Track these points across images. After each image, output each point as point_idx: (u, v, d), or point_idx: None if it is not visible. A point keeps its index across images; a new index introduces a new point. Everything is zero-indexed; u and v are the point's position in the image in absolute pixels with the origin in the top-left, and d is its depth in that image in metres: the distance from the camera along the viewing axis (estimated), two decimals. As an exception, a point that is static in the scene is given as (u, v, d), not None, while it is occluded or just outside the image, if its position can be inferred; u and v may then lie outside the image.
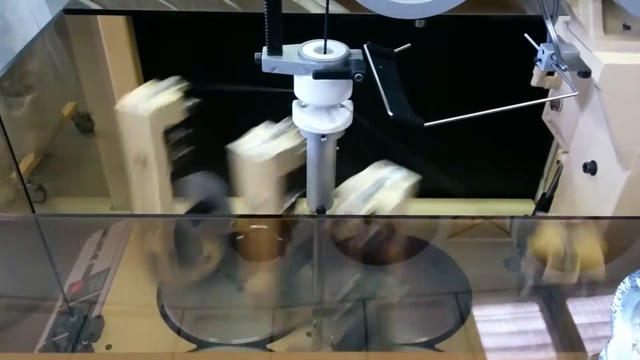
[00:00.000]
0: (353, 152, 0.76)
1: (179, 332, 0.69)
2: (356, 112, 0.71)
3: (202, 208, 0.89)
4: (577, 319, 0.72)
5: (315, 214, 0.77)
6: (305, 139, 0.72)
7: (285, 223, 0.82)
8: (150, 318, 0.74)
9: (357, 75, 0.62)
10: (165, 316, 0.72)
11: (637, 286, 0.45)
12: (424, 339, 0.71)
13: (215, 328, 0.72)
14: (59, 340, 0.68)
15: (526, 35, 0.78)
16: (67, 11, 1.13)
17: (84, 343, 0.67)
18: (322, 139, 0.68)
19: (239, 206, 0.83)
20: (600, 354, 0.51)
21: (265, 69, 0.64)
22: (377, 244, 0.83)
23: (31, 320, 0.72)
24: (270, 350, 0.67)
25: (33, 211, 1.20)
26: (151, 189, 0.88)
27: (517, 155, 1.39)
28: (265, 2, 0.59)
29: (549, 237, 0.85)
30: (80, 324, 0.70)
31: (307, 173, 0.73)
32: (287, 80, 0.67)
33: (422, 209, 0.78)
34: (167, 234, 0.85)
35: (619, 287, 0.47)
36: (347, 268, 0.81)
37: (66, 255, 0.81)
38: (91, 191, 1.47)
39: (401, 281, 0.80)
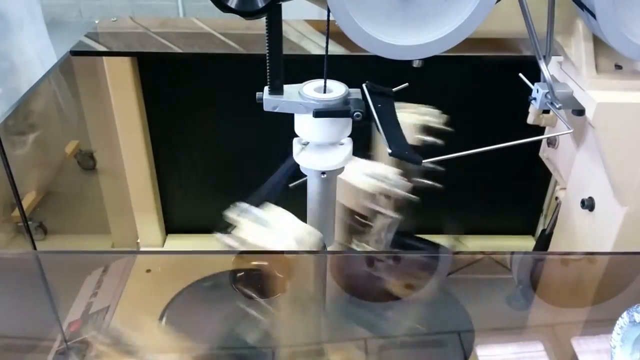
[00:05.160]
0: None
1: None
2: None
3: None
4: (582, 358, 0.71)
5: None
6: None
7: (286, 259, 0.81)
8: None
9: (356, 113, 0.64)
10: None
11: (635, 321, 0.44)
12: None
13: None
14: (56, 380, 0.67)
15: (521, 75, 0.79)
16: (73, 53, 1.16)
17: (81, 383, 0.67)
18: (322, 176, 0.69)
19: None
20: (602, 391, 0.50)
21: (266, 108, 0.65)
22: (377, 280, 0.83)
23: (29, 360, 0.71)
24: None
25: (34, 249, 1.20)
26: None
27: (516, 192, 1.39)
28: (267, 44, 0.61)
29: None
30: (78, 363, 0.69)
31: (307, 209, 0.74)
32: (288, 118, 0.68)
33: (421, 245, 0.78)
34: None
35: (617, 322, 0.46)
36: (347, 305, 0.80)
37: (65, 293, 0.80)
38: (92, 228, 1.47)
39: (402, 318, 0.79)
